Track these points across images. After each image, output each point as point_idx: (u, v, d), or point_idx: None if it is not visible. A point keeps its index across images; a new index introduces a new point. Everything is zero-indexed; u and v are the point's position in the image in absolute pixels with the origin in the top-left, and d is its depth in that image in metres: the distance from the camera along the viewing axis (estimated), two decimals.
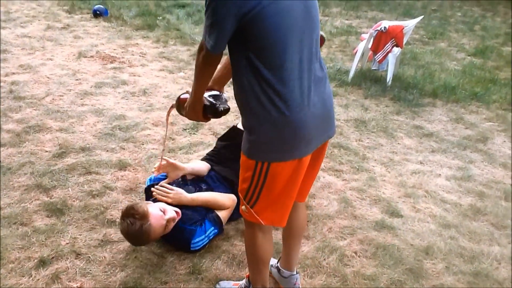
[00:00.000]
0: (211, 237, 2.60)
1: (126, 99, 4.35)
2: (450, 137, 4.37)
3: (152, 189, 2.67)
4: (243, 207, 1.89)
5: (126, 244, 2.56)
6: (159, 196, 2.61)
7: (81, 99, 4.25)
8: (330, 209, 3.08)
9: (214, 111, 1.92)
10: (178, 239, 2.54)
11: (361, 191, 3.33)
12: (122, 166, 3.27)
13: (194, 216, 2.60)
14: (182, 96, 1.99)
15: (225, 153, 3.04)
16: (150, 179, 2.86)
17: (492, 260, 2.73)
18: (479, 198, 3.37)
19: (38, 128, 3.64)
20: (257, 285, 2.13)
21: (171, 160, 2.79)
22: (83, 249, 2.48)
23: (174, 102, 2.06)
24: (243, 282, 2.26)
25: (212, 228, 2.61)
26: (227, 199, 2.74)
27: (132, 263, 2.44)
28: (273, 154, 1.72)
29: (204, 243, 2.56)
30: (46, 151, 3.35)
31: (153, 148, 3.55)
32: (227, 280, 2.38)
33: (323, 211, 3.05)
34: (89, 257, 2.44)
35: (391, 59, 5.25)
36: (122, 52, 5.53)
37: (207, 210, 2.66)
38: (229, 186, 2.85)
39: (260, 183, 1.77)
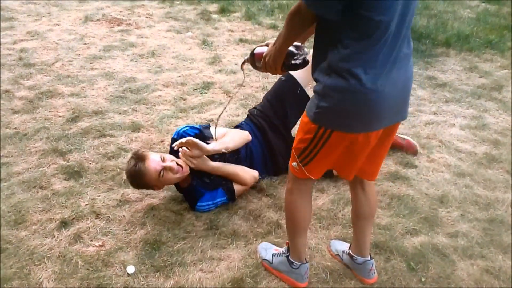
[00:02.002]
0: (218, 204, 2.60)
1: (135, 62, 4.33)
2: (464, 87, 4.30)
3: (176, 143, 2.46)
4: (294, 163, 1.87)
5: (144, 203, 2.61)
6: (182, 157, 2.49)
7: (91, 63, 4.23)
8: None
9: (293, 64, 1.88)
10: (188, 196, 2.60)
11: None
12: (135, 127, 3.29)
13: (210, 183, 2.61)
14: (257, 51, 1.97)
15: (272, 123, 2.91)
16: (178, 132, 2.63)
17: (507, 207, 2.74)
18: (494, 146, 3.34)
19: (50, 94, 3.65)
20: (293, 254, 2.11)
21: (196, 140, 2.46)
22: (102, 210, 2.54)
23: (248, 57, 2.04)
24: (283, 248, 2.21)
25: (223, 197, 2.61)
26: (249, 176, 2.66)
27: (151, 221, 2.49)
28: (340, 123, 1.68)
29: (209, 208, 2.57)
30: (60, 116, 3.37)
31: (165, 109, 3.56)
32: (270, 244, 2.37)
33: None
34: (109, 216, 2.50)
35: None
36: (129, 14, 5.46)
37: (225, 180, 2.63)
38: (261, 165, 2.83)
39: (318, 147, 1.74)
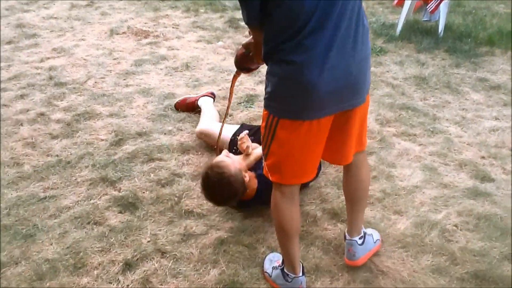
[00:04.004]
0: None
1: (170, 76, 4.09)
2: None
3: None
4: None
5: (211, 237, 2.36)
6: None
7: (124, 79, 3.99)
8: (415, 178, 2.83)
9: None
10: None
11: (442, 156, 3.07)
12: (185, 149, 3.05)
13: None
14: (238, 53, 2.00)
15: None
16: None
17: None
18: None
19: (87, 115, 3.41)
20: (285, 263, 2.03)
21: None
22: (167, 247, 2.29)
23: (236, 70, 2.10)
24: (281, 260, 2.12)
25: None
26: None
27: (223, 257, 2.24)
28: (282, 110, 1.70)
29: None
30: (102, 140, 3.13)
31: None
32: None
33: (408, 181, 2.81)
34: (176, 254, 2.25)
35: (443, 8, 4.86)
36: (154, 25, 5.22)
37: None
38: None
39: (270, 135, 1.76)
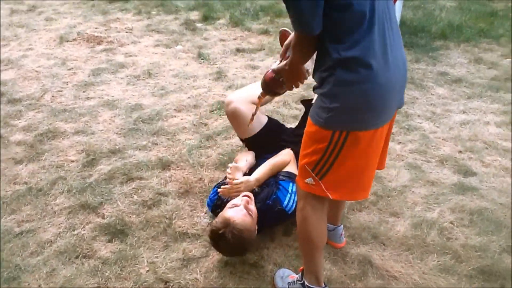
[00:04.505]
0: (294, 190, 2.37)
1: (133, 85, 3.87)
2: (478, 80, 4.20)
3: (220, 190, 2.37)
4: (309, 179, 1.71)
5: (213, 259, 2.23)
6: (231, 194, 2.34)
7: (84, 91, 3.73)
8: (402, 178, 2.84)
9: None
10: (273, 217, 2.33)
11: (422, 153, 3.10)
12: (165, 165, 2.88)
13: (268, 189, 2.39)
14: (267, 77, 1.86)
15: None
16: (210, 200, 2.47)
17: None
18: None
19: (51, 134, 3.14)
20: (309, 275, 1.95)
21: (236, 164, 2.51)
22: (169, 275, 2.13)
23: (262, 92, 1.94)
24: (298, 275, 2.05)
25: (290, 183, 2.39)
26: (283, 155, 2.54)
27: (231, 280, 2.12)
28: (356, 122, 1.57)
29: (294, 200, 2.31)
30: (73, 161, 2.89)
31: (188, 139, 3.16)
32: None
33: (397, 182, 2.81)
34: (180, 282, 2.10)
35: (398, 3, 4.94)
36: (106, 30, 4.94)
37: (274, 176, 2.47)
38: None
39: (334, 154, 1.61)
